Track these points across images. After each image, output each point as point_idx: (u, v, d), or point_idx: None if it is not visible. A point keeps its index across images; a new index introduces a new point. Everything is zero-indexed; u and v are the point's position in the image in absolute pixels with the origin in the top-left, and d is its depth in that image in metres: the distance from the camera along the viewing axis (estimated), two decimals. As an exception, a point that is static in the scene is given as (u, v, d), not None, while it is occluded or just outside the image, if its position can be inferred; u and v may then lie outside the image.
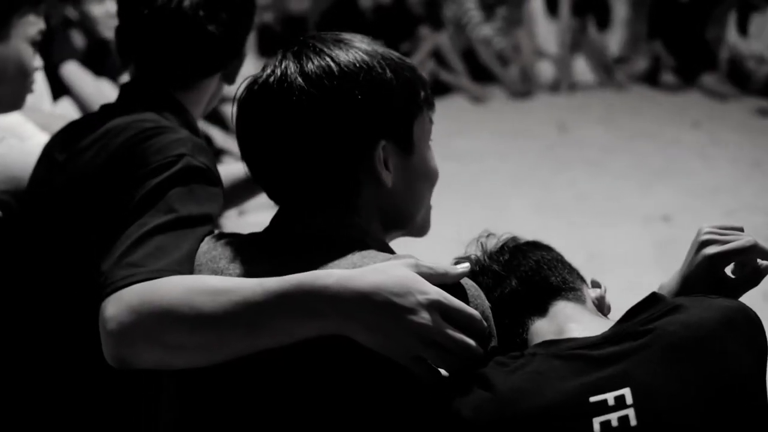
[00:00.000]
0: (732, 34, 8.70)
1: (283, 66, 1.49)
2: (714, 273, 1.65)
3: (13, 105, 2.05)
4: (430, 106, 1.59)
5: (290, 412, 1.43)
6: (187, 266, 1.50)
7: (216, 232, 1.60)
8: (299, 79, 1.46)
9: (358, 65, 1.47)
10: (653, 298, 1.52)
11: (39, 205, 1.91)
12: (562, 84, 8.77)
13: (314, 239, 1.49)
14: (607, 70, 9.04)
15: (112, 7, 4.72)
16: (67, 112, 4.22)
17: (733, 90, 8.40)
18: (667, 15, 8.84)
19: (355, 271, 1.36)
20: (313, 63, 1.48)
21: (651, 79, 9.01)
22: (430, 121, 1.60)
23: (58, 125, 2.07)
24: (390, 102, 1.49)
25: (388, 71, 1.48)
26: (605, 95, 8.66)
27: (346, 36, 1.55)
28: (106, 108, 1.96)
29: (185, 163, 1.69)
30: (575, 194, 5.61)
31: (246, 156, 1.54)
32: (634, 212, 5.18)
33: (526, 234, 1.77)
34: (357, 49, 1.50)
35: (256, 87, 1.50)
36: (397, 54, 1.53)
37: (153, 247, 1.51)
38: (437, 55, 8.37)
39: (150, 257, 1.48)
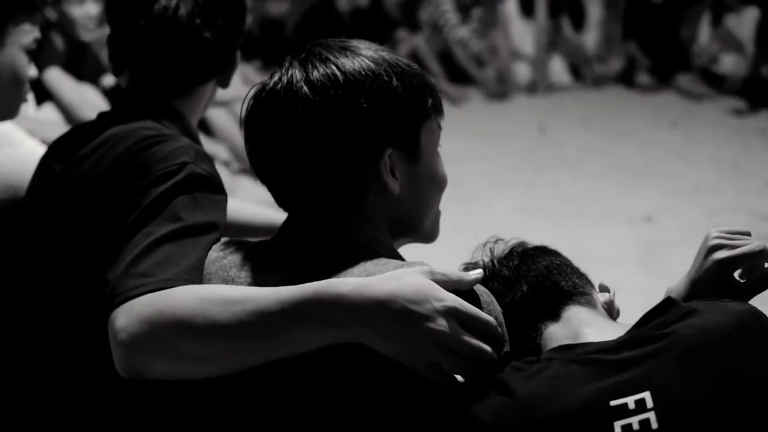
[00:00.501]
0: (706, 35, 8.77)
1: (289, 74, 1.48)
2: (723, 277, 1.65)
3: (7, 114, 2.03)
4: (439, 113, 1.59)
5: (305, 420, 1.43)
6: (196, 275, 1.49)
7: (223, 239, 1.59)
8: (305, 87, 1.46)
9: (363, 73, 1.47)
10: (668, 303, 1.53)
11: (38, 214, 1.89)
12: (539, 85, 8.80)
13: (324, 247, 1.48)
14: (583, 71, 9.09)
15: (92, 8, 4.71)
16: (50, 117, 4.20)
17: (708, 90, 8.47)
18: (642, 15, 8.89)
19: (372, 279, 1.36)
20: (318, 71, 1.47)
21: (626, 79, 9.07)
22: (439, 128, 1.60)
23: (45, 131, 2.05)
24: (396, 110, 1.49)
25: (394, 79, 1.48)
26: (582, 96, 8.70)
27: (353, 43, 1.55)
28: (102, 116, 1.94)
29: (189, 171, 1.68)
30: (558, 196, 5.62)
31: (254, 162, 1.54)
32: (617, 213, 5.20)
33: (511, 236, 1.78)
34: (363, 56, 1.50)
35: (263, 94, 1.50)
36: (404, 61, 1.53)
37: (161, 257, 1.50)
38: (414, 57, 8.38)
39: (158, 267, 1.47)
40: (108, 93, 4.83)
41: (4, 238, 1.98)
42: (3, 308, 1.93)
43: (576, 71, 9.16)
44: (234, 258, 1.51)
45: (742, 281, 1.68)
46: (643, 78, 9.02)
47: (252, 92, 1.53)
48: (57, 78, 4.27)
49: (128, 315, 1.36)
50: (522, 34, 8.93)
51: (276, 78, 1.51)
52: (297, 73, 1.48)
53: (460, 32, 8.73)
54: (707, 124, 7.50)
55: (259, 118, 1.51)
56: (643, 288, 3.58)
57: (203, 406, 1.49)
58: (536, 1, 8.73)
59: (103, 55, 5.08)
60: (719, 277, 1.66)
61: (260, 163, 1.54)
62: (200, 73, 1.93)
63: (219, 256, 1.53)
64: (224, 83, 2.00)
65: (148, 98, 1.90)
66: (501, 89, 8.64)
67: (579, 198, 5.57)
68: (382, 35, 8.05)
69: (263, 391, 1.43)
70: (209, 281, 1.49)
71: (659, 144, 6.87)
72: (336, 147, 1.46)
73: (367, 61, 1.49)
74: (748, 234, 1.70)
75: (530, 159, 6.52)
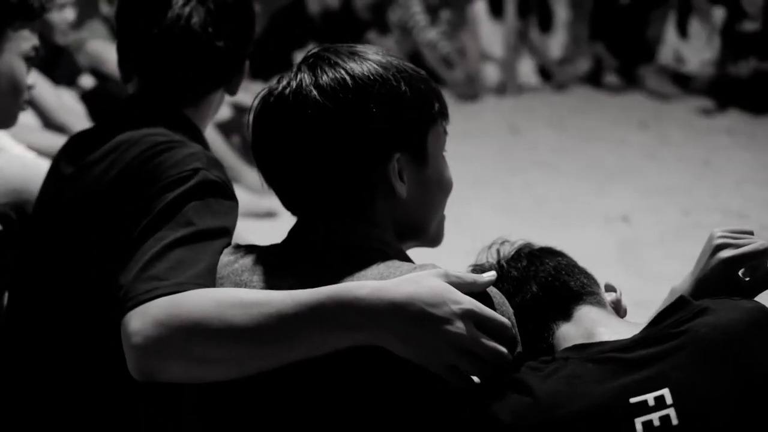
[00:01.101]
0: (672, 36, 8.86)
1: (298, 78, 1.50)
2: (728, 276, 1.68)
3: (4, 122, 2.02)
4: (445, 117, 1.61)
5: (321, 424, 1.43)
6: (209, 279, 1.49)
7: (234, 244, 1.60)
8: (314, 91, 1.47)
9: (372, 78, 1.49)
10: (681, 302, 1.55)
11: (48, 218, 1.88)
12: (509, 86, 8.84)
13: (335, 250, 1.50)
14: (550, 72, 9.15)
15: (70, 15, 4.70)
16: (28, 122, 4.17)
17: (675, 90, 8.55)
18: (608, 16, 8.96)
19: (388, 282, 1.37)
20: (327, 75, 1.49)
21: (594, 80, 9.13)
22: (445, 132, 1.62)
23: (26, 136, 2.05)
24: (404, 114, 1.51)
25: (402, 84, 1.50)
26: (550, 97, 8.75)
27: (361, 48, 1.56)
28: (110, 121, 1.94)
29: (201, 177, 1.69)
30: (534, 196, 5.65)
31: (262, 167, 1.55)
32: (594, 213, 5.24)
33: (493, 237, 1.79)
34: (371, 61, 1.51)
35: (271, 99, 1.51)
36: (411, 66, 1.55)
37: (174, 261, 1.51)
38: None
39: (172, 270, 1.47)
40: (84, 96, 4.81)
41: (9, 241, 1.97)
42: (13, 312, 1.93)
43: (544, 72, 9.22)
44: (245, 262, 1.52)
45: (746, 279, 1.71)
46: (610, 78, 9.09)
47: (259, 97, 1.54)
48: (35, 83, 4.24)
49: (142, 318, 1.36)
50: (491, 35, 8.97)
51: (284, 83, 1.52)
52: (306, 78, 1.50)
53: (429, 34, 8.76)
54: (676, 123, 7.57)
55: (267, 122, 1.52)
56: (622, 287, 3.59)
57: (217, 408, 1.49)
58: (505, 2, 8.77)
59: (80, 58, 5.07)
60: (724, 276, 1.69)
61: (268, 167, 1.55)
62: (211, 81, 1.94)
63: (230, 260, 1.53)
64: (232, 91, 2.01)
65: (158, 105, 1.91)
66: (470, 91, 8.67)
67: (555, 198, 5.60)
68: (352, 37, 8.06)
69: (278, 394, 1.44)
70: (221, 285, 1.50)
71: (631, 144, 6.93)
72: (345, 151, 1.48)
73: (375, 65, 1.51)
74: (751, 233, 1.73)
75: (504, 160, 6.55)
